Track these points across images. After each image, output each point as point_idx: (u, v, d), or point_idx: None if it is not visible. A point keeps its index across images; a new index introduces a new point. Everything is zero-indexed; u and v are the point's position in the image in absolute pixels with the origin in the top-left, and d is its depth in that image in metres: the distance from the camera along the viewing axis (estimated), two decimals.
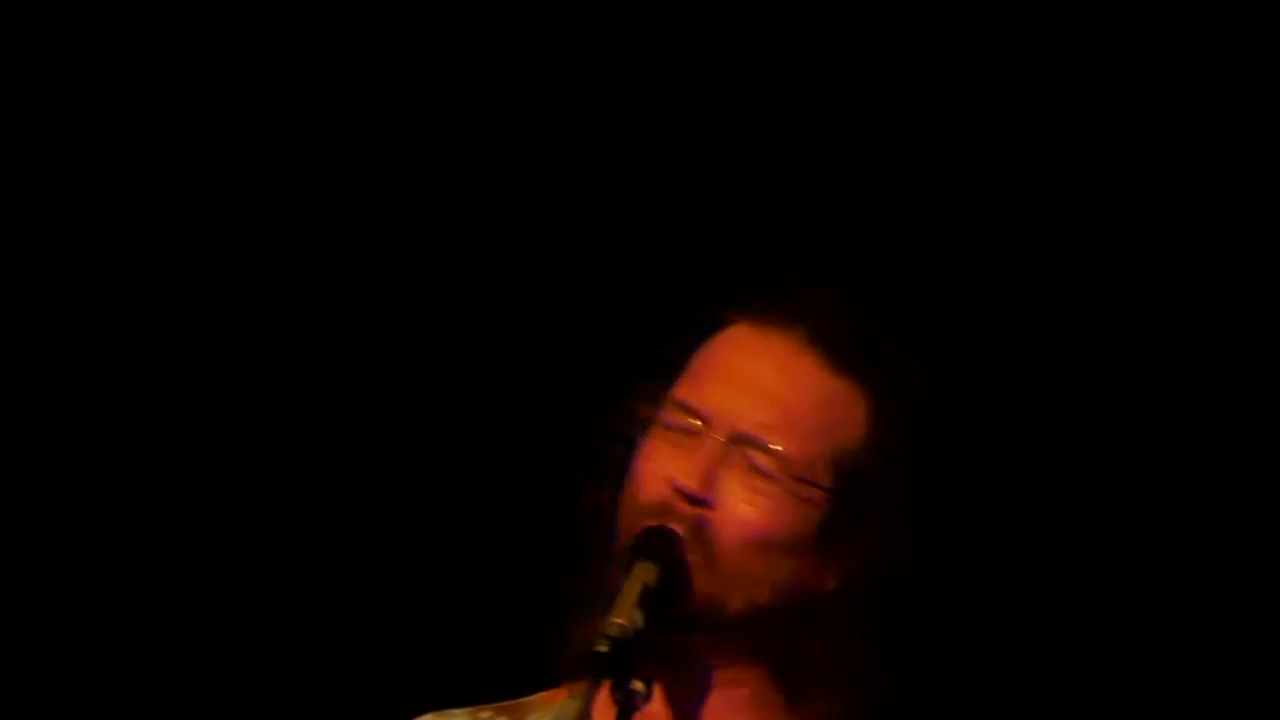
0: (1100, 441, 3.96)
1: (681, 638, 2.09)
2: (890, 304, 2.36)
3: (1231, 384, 3.92)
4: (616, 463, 2.16)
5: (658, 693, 2.07)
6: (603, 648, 1.94)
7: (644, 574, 2.03)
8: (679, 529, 2.10)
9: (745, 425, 2.11)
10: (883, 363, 2.20)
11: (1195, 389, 3.93)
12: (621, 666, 1.97)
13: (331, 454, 4.04)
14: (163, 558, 4.03)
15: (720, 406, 2.13)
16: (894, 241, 3.42)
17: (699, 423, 2.12)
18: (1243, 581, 3.87)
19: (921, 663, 2.31)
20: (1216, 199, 3.97)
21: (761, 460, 2.11)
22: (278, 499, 4.03)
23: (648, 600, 2.02)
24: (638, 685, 1.99)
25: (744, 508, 2.11)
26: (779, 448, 2.11)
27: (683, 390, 2.13)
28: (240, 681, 3.98)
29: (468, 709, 2.26)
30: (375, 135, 4.09)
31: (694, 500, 2.09)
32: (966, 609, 3.58)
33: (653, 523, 2.10)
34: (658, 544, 2.08)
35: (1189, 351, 3.94)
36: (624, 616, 1.98)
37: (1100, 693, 3.98)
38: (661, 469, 2.11)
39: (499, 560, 3.51)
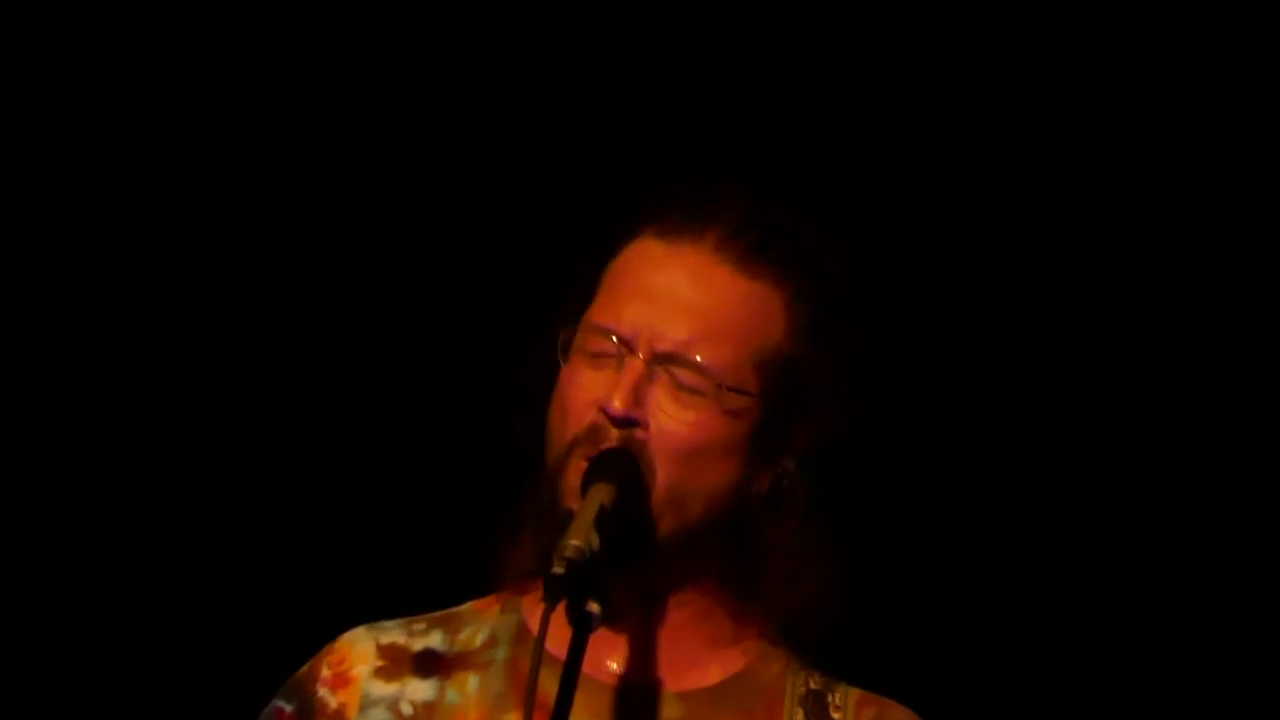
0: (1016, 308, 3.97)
1: (630, 562, 2.09)
2: (793, 193, 2.35)
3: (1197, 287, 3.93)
4: (538, 387, 2.16)
5: (610, 614, 2.06)
6: (559, 569, 1.93)
7: (600, 495, 2.03)
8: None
9: (665, 343, 2.10)
10: (795, 255, 2.19)
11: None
12: (578, 587, 1.97)
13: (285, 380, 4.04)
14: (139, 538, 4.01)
15: (638, 325, 2.12)
16: (790, 137, 3.42)
17: (621, 346, 2.11)
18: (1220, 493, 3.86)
19: (865, 554, 2.32)
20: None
21: (686, 376, 2.11)
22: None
23: (603, 521, 2.02)
24: (593, 607, 1.99)
25: (674, 425, 2.10)
26: (702, 360, 2.11)
27: (598, 313, 2.13)
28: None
29: (400, 620, 2.26)
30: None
31: (623, 422, 2.09)
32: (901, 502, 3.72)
33: (608, 445, 2.09)
34: (615, 465, 2.08)
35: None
36: (580, 538, 1.98)
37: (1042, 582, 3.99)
38: (587, 394, 2.11)
39: (426, 479, 3.55)
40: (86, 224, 4.08)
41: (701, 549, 2.16)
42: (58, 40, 4.02)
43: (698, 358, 2.10)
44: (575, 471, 2.08)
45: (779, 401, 2.18)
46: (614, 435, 2.09)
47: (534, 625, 2.06)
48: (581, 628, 1.97)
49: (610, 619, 2.08)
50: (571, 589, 1.97)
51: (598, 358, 2.12)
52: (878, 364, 2.31)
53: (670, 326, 2.13)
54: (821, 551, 2.21)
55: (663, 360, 2.11)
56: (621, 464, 2.07)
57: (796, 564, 2.19)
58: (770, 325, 2.18)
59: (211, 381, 4.14)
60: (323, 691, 2.25)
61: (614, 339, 2.11)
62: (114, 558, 4.10)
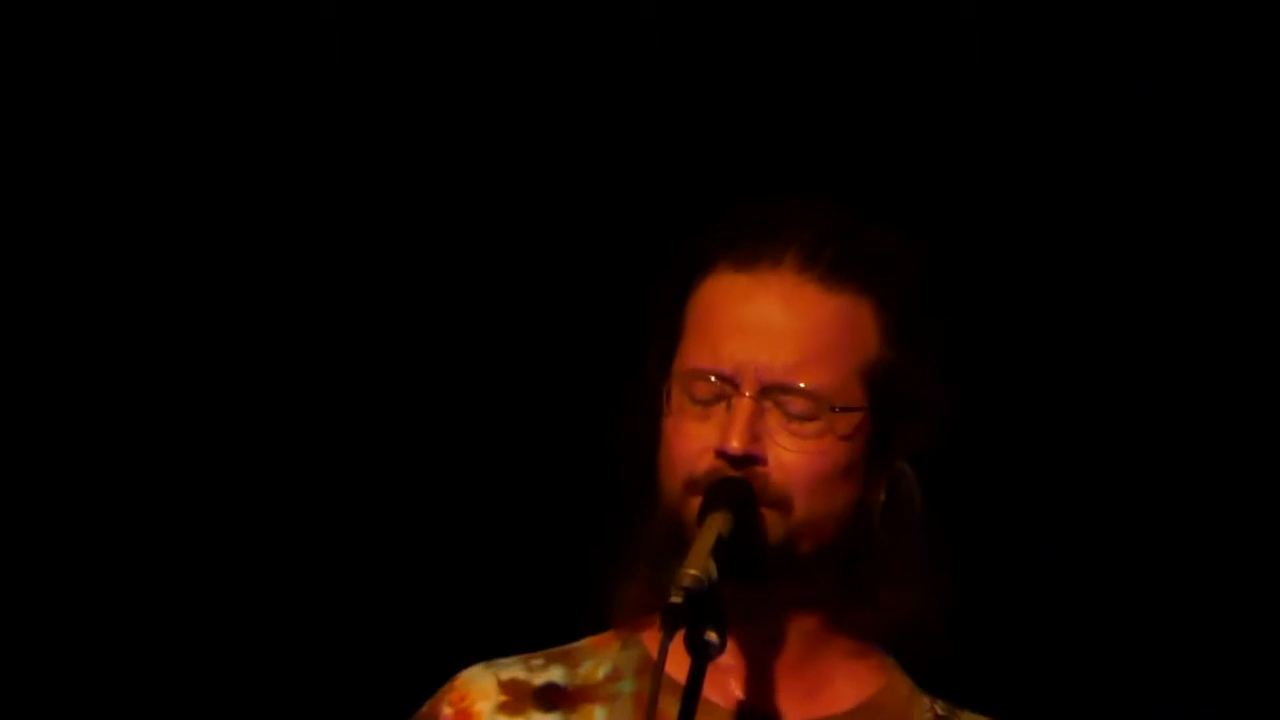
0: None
1: (754, 585, 2.12)
2: (854, 201, 2.35)
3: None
4: (641, 436, 2.18)
5: (731, 643, 2.08)
6: (678, 598, 1.96)
7: (718, 524, 2.05)
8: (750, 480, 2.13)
9: (770, 374, 2.11)
10: (875, 262, 2.21)
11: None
12: (696, 617, 1.99)
13: (376, 426, 4.13)
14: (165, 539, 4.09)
15: (739, 361, 2.12)
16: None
17: (725, 385, 2.12)
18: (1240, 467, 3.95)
19: (973, 557, 2.33)
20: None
21: (796, 404, 2.12)
22: (328, 460, 4.11)
23: (720, 550, 2.04)
24: (711, 636, 2.01)
25: (792, 456, 2.12)
26: (809, 386, 2.13)
27: (694, 357, 2.15)
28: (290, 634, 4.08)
29: (517, 656, 2.28)
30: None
31: (742, 461, 2.11)
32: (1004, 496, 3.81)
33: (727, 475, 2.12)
34: (732, 493, 2.10)
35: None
36: (698, 567, 1.99)
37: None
38: (698, 441, 2.12)
39: (537, 521, 3.61)
40: (97, 226, 4.08)
41: (824, 565, 2.18)
42: (60, 40, 3.99)
43: (804, 384, 2.12)
44: (693, 508, 2.11)
45: (886, 409, 2.19)
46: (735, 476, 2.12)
47: (670, 663, 2.06)
48: (699, 656, 1.99)
49: (739, 646, 2.12)
50: (690, 618, 1.99)
51: (702, 403, 2.14)
52: (970, 360, 2.31)
53: (772, 356, 2.14)
54: (936, 557, 2.24)
55: (770, 392, 2.12)
56: (735, 492, 2.09)
57: (914, 569, 2.22)
58: (865, 336, 2.20)
59: (340, 414, 4.21)
60: None
61: (714, 379, 2.12)
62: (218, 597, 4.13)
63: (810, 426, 2.12)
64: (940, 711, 2.31)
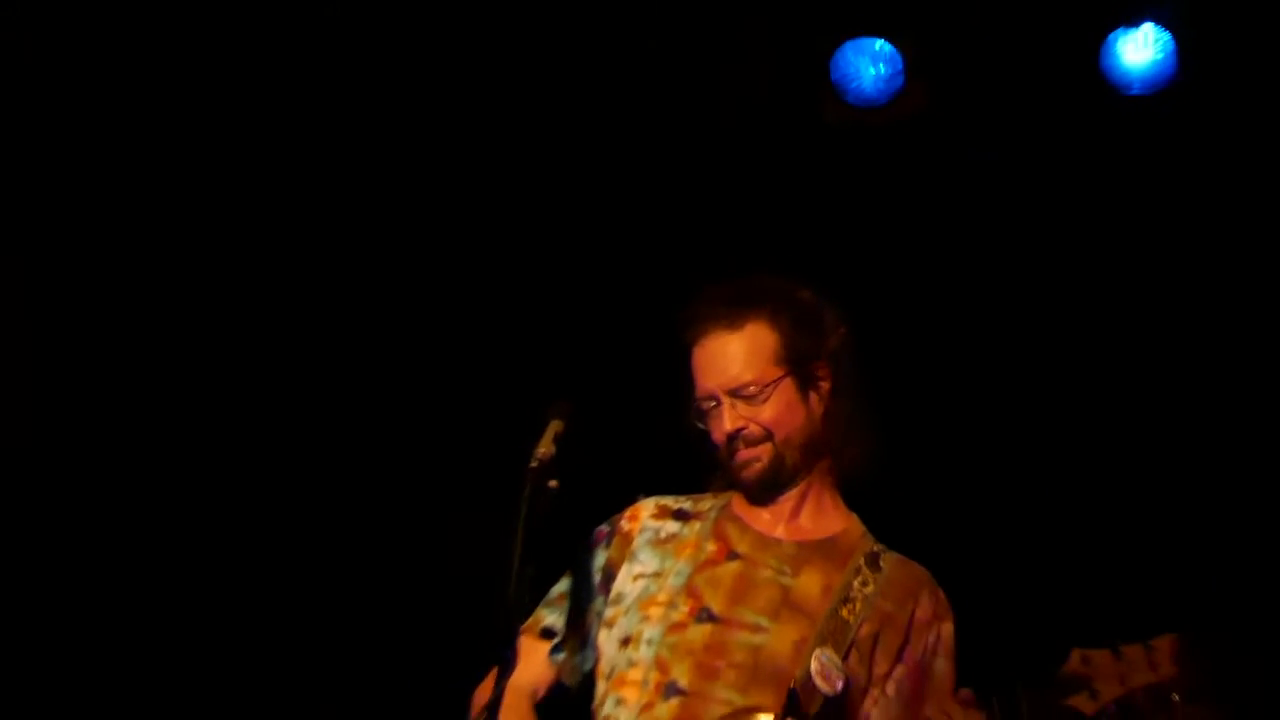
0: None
1: (778, 487, 3.35)
2: (796, 285, 3.37)
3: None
4: (699, 432, 3.39)
5: (762, 506, 3.34)
6: (534, 464, 3.07)
7: (555, 426, 3.13)
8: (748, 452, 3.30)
9: (730, 383, 3.31)
10: (778, 302, 3.34)
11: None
12: (545, 473, 3.06)
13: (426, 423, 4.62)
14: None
15: (717, 384, 3.32)
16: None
17: (713, 400, 3.33)
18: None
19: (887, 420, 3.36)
20: None
21: (748, 390, 3.31)
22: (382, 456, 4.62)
23: (557, 439, 3.12)
24: (553, 484, 3.07)
25: (763, 412, 3.31)
26: (748, 378, 3.32)
27: (698, 391, 3.34)
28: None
29: (672, 495, 3.45)
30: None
31: (736, 434, 3.33)
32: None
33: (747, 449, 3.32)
34: (560, 411, 3.16)
35: None
36: (545, 447, 3.11)
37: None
38: (718, 432, 3.34)
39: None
40: (88, 225, 4.38)
41: (803, 455, 3.35)
42: (60, 40, 4.21)
43: (748, 378, 3.31)
44: (735, 463, 3.33)
45: (798, 369, 3.31)
46: (739, 444, 3.29)
47: (735, 506, 3.35)
48: (541, 497, 3.07)
49: (771, 499, 3.31)
50: (545, 473, 3.07)
51: (709, 410, 3.34)
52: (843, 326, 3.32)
53: (728, 376, 3.32)
54: (863, 426, 3.36)
55: (733, 392, 3.31)
56: (563, 409, 3.14)
57: (851, 435, 3.34)
58: (766, 336, 3.32)
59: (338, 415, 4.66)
60: (622, 522, 3.39)
61: (711, 399, 3.33)
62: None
63: (763, 394, 3.30)
64: (875, 549, 3.40)
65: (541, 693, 3.36)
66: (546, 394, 3.17)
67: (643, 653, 3.24)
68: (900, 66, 4.86)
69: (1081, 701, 3.04)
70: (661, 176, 4.76)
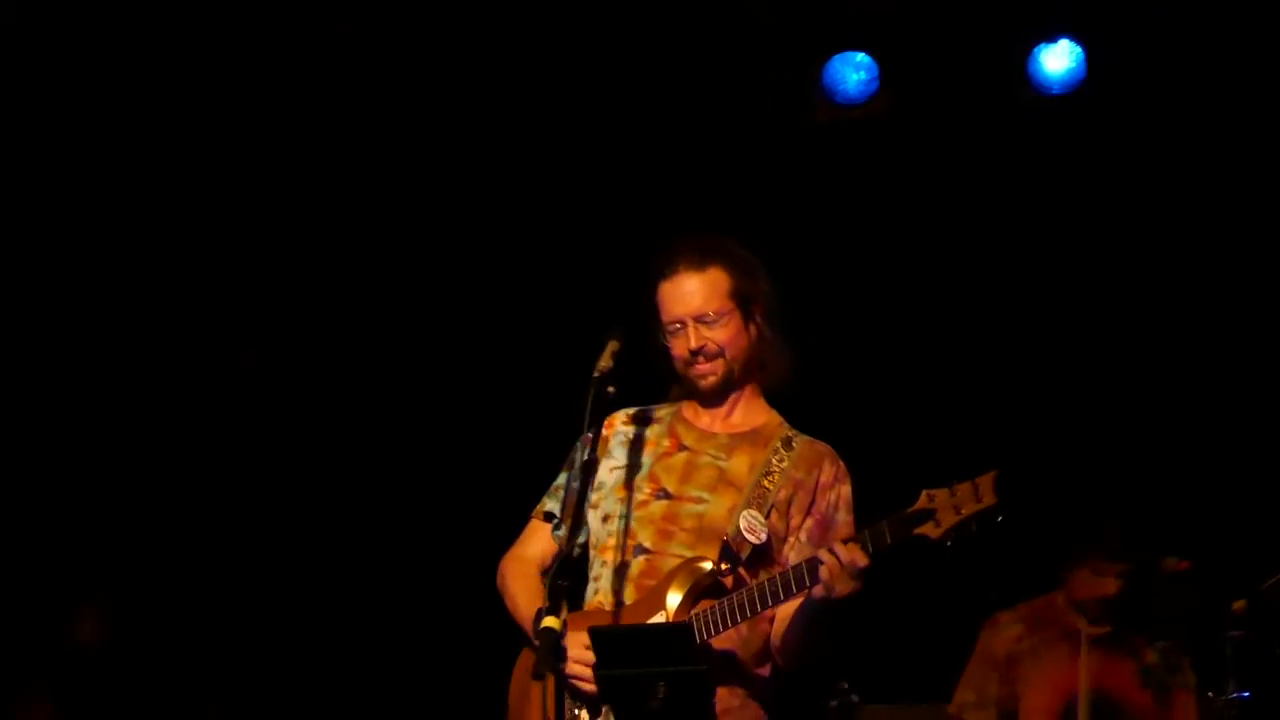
0: None
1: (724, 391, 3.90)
2: (739, 245, 3.92)
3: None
4: (663, 346, 3.93)
5: (706, 409, 3.91)
6: (598, 374, 3.75)
7: (613, 346, 3.72)
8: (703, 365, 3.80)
9: (694, 311, 3.88)
10: (723, 251, 3.95)
11: None
12: (606, 381, 3.70)
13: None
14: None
15: (680, 314, 3.88)
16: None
17: (680, 324, 3.88)
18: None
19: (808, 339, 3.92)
20: None
21: (709, 317, 3.87)
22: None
23: (616, 356, 3.71)
24: (610, 389, 3.70)
25: (718, 335, 3.88)
26: (709, 309, 3.87)
27: (666, 316, 3.90)
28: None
29: (641, 406, 3.97)
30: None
31: (699, 351, 3.88)
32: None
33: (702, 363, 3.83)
34: (617, 335, 3.75)
35: None
36: (606, 361, 3.68)
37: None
38: (680, 349, 3.89)
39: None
40: (87, 225, 4.40)
41: (741, 366, 3.93)
42: (59, 41, 4.17)
43: (708, 308, 3.87)
44: (688, 374, 3.88)
45: (744, 299, 3.88)
46: (697, 359, 3.85)
47: (684, 411, 3.95)
48: (602, 400, 3.72)
49: (716, 404, 3.90)
50: (606, 380, 3.69)
51: (675, 332, 3.89)
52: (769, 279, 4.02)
53: (693, 306, 3.88)
54: (785, 347, 3.95)
55: (697, 318, 3.87)
56: (619, 334, 3.70)
57: (776, 353, 3.95)
58: (722, 278, 3.91)
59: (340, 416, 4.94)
60: (603, 429, 3.89)
61: (678, 323, 3.89)
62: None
63: (718, 319, 3.87)
64: (789, 434, 3.91)
65: (547, 561, 4.00)
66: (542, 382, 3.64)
67: (617, 525, 3.87)
68: (876, 74, 5.90)
69: (929, 529, 3.60)
70: (679, 163, 5.72)
